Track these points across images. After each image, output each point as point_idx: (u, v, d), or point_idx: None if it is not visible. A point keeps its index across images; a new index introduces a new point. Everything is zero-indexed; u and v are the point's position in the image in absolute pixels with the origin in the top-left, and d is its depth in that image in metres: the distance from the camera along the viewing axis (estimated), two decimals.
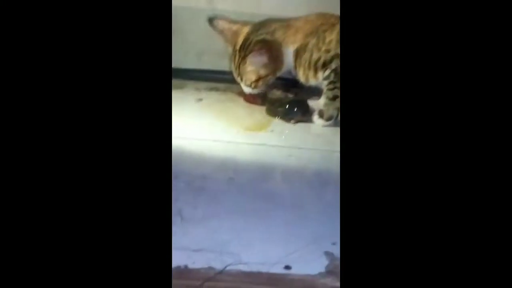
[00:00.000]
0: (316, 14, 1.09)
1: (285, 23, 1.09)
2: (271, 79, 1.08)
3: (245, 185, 0.73)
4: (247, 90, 1.10)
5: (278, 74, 1.08)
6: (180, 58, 1.26)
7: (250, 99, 1.12)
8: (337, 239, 0.58)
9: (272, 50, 1.05)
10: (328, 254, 0.58)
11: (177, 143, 0.83)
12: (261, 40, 1.06)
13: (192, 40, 1.28)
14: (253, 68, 1.06)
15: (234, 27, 1.11)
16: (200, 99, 1.14)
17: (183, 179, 0.71)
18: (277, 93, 1.07)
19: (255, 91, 1.10)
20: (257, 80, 1.08)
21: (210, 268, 0.54)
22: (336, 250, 0.58)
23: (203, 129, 0.96)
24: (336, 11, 1.04)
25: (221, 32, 1.12)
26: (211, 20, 1.11)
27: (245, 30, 1.09)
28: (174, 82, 1.25)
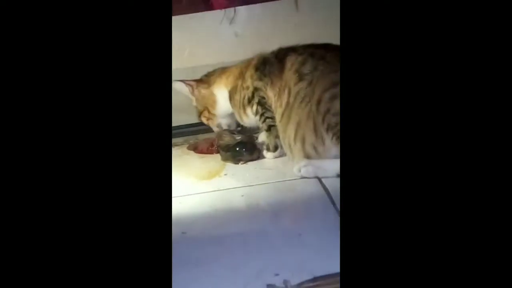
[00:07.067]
0: (247, 59, 1.16)
1: (222, 69, 1.17)
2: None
3: (197, 236, 0.78)
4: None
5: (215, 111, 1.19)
6: None
7: (203, 150, 1.18)
8: (279, 270, 0.63)
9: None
10: (270, 286, 0.62)
11: None
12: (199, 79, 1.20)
13: None
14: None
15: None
16: None
17: None
18: (226, 138, 1.12)
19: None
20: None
21: None
22: (279, 281, 0.62)
23: None
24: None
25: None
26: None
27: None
28: None
